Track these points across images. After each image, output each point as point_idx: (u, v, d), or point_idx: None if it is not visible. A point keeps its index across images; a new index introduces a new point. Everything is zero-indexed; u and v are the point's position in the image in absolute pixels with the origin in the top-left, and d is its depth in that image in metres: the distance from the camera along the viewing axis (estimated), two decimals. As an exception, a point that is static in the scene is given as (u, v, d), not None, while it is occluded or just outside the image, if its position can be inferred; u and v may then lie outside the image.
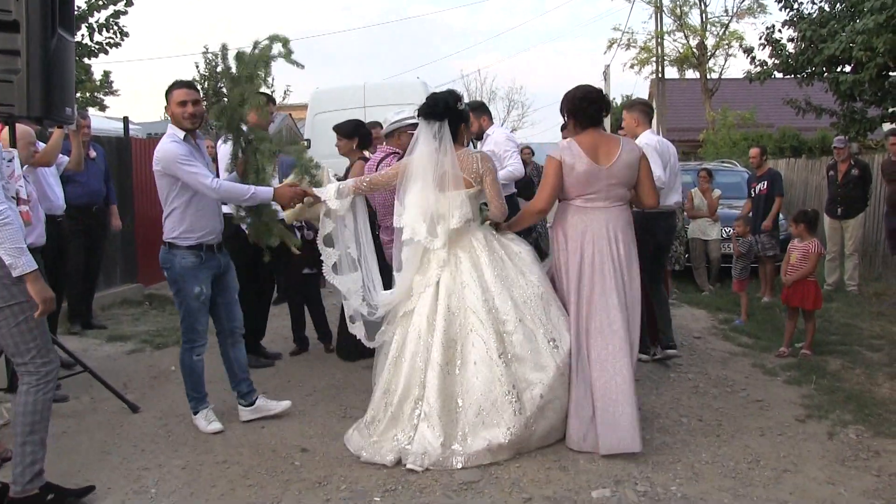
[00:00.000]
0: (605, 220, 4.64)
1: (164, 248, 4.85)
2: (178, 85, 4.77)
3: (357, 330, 4.91)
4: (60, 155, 6.21)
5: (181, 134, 4.73)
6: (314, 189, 4.96)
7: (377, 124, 7.47)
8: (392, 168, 4.96)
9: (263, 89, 5.29)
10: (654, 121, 10.86)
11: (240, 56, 5.07)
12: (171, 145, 4.66)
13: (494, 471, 4.20)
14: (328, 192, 4.85)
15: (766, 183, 9.61)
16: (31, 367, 3.69)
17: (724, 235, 10.02)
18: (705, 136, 25.18)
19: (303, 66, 5.29)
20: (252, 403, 5.13)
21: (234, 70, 5.09)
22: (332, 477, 4.18)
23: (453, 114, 4.68)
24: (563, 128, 6.28)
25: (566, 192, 4.71)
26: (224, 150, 5.73)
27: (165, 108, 4.86)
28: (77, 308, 7.82)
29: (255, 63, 5.07)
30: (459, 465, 4.21)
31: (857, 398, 5.32)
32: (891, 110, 8.90)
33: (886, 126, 10.34)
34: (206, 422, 4.94)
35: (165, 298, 9.70)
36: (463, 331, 4.44)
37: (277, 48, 5.10)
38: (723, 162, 15.66)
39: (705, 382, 5.81)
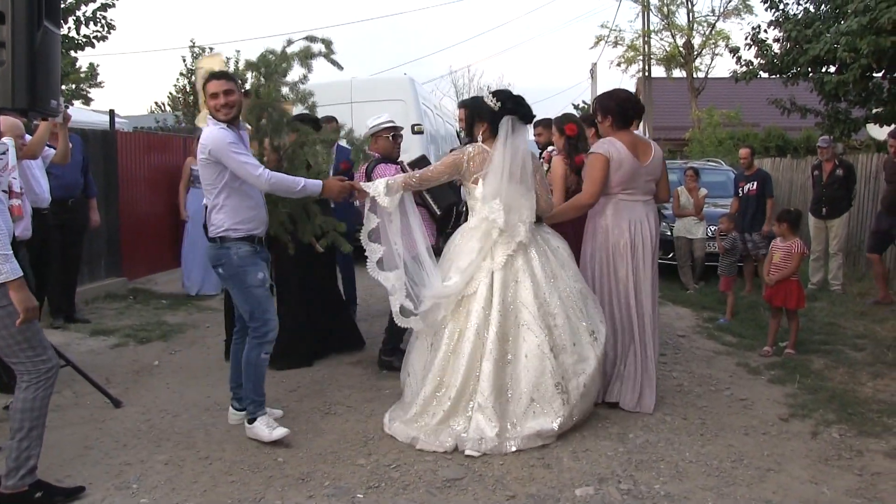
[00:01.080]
0: (645, 211, 5.20)
1: (213, 245, 4.65)
2: (210, 77, 4.67)
3: (413, 323, 4.95)
4: (47, 147, 6.17)
5: (223, 124, 4.57)
6: (362, 184, 5.01)
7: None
8: (444, 164, 5.01)
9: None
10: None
11: (272, 52, 5.16)
12: (220, 131, 4.49)
13: (478, 468, 4.20)
14: (377, 189, 4.88)
15: (755, 183, 9.65)
16: (28, 365, 3.68)
17: (710, 234, 10.05)
18: (691, 134, 25.24)
19: (342, 68, 5.42)
20: (244, 409, 4.74)
21: (263, 65, 5.13)
22: (315, 473, 4.17)
23: (524, 111, 4.85)
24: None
25: (609, 187, 5.13)
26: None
27: (204, 101, 4.77)
28: (58, 302, 7.77)
29: (291, 59, 5.16)
30: (514, 449, 4.39)
31: (841, 397, 5.35)
32: (875, 111, 8.94)
33: (870, 126, 10.40)
34: (269, 429, 4.56)
35: (150, 293, 9.67)
36: (515, 325, 4.63)
37: (318, 47, 5.20)
38: (709, 161, 15.72)
39: (689, 381, 5.83)
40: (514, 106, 4.81)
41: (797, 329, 6.69)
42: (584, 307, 4.84)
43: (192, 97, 22.60)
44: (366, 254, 5.01)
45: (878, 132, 12.19)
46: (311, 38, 5.22)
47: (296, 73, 5.21)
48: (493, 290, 4.67)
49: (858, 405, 5.20)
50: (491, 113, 4.84)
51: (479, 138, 4.95)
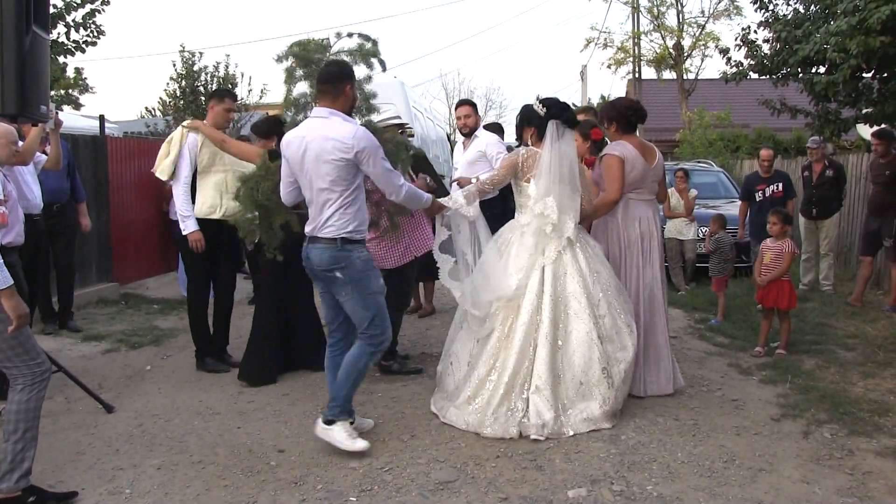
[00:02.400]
0: (652, 210, 5.65)
1: (333, 245, 4.42)
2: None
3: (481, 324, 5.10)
4: (38, 154, 6.16)
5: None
6: (441, 200, 5.18)
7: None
8: (504, 167, 5.30)
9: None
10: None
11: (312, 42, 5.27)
12: (372, 135, 4.45)
13: (471, 470, 4.21)
14: (459, 201, 5.15)
15: (780, 185, 9.61)
16: (23, 369, 3.69)
17: (700, 235, 10.06)
18: (682, 136, 25.30)
19: (385, 69, 5.51)
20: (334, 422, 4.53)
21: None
22: (308, 477, 4.17)
23: (568, 116, 5.16)
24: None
25: (623, 187, 5.46)
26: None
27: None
28: (48, 308, 7.74)
29: (326, 49, 5.27)
30: (571, 433, 4.69)
31: (832, 397, 5.37)
32: (864, 111, 8.95)
33: (860, 127, 10.42)
34: (351, 438, 4.44)
35: (141, 298, 9.65)
36: (565, 313, 4.94)
37: (369, 46, 5.30)
38: (699, 162, 15.76)
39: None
40: (558, 111, 5.11)
41: (789, 329, 6.71)
42: (619, 300, 5.15)
43: (182, 102, 22.52)
44: (437, 265, 5.27)
45: (868, 132, 12.22)
46: (364, 37, 5.27)
47: (359, 72, 5.14)
48: (544, 282, 4.96)
49: (849, 405, 5.22)
50: (538, 118, 5.14)
51: (529, 142, 5.24)
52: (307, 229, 4.55)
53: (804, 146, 9.43)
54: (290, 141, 4.52)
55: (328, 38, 5.28)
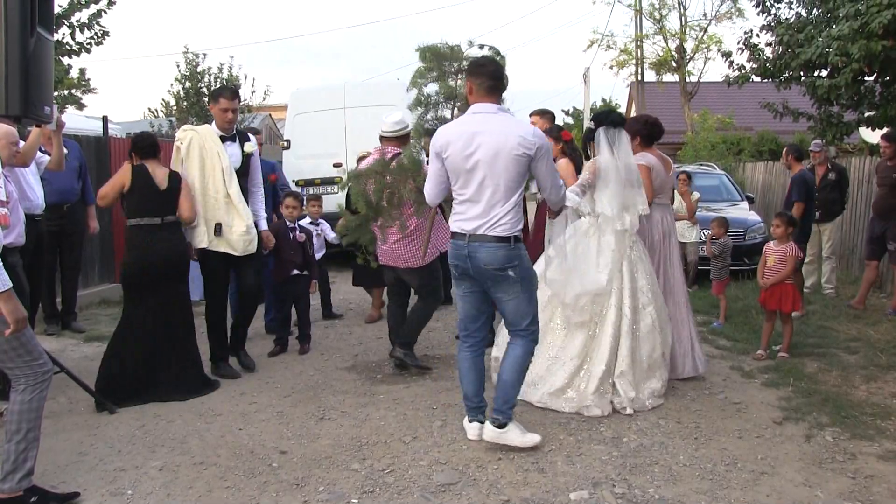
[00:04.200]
0: (668, 212, 6.30)
1: (507, 244, 4.36)
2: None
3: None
4: (40, 154, 6.15)
5: None
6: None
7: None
8: (591, 172, 5.59)
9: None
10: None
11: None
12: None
13: (472, 472, 4.21)
14: (575, 200, 5.41)
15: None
16: (25, 369, 3.69)
17: (703, 238, 10.06)
18: (686, 138, 25.29)
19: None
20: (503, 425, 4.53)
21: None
22: (310, 478, 4.17)
23: (621, 122, 5.65)
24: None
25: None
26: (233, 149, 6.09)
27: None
28: (51, 309, 7.75)
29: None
30: (651, 406, 5.28)
31: (834, 400, 5.36)
32: (866, 115, 8.97)
33: (862, 130, 10.44)
34: (523, 433, 4.52)
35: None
36: (638, 305, 5.45)
37: (499, 58, 5.45)
38: (701, 165, 15.75)
39: (683, 385, 5.83)
40: (603, 118, 5.63)
41: (791, 332, 6.71)
42: (660, 293, 5.73)
43: (186, 103, 22.53)
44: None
45: (870, 135, 12.23)
46: (494, 49, 5.49)
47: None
48: (624, 278, 5.44)
49: (852, 408, 5.22)
50: (590, 132, 5.69)
51: (592, 154, 5.71)
52: (469, 227, 4.41)
53: (807, 149, 9.41)
54: (452, 136, 4.41)
55: (459, 45, 5.53)
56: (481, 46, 5.39)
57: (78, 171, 7.72)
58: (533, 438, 4.51)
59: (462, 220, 4.44)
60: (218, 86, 22.49)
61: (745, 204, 12.37)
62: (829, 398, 5.42)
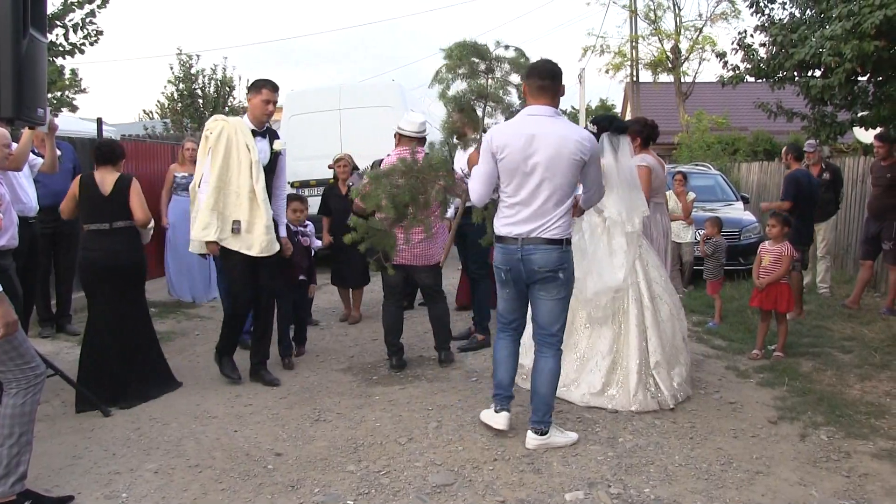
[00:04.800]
0: (664, 210, 6.70)
1: (560, 246, 4.45)
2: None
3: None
4: (33, 157, 6.14)
5: None
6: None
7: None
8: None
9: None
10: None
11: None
12: None
13: (468, 474, 4.21)
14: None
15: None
16: (17, 373, 3.67)
17: (698, 238, 10.06)
18: (679, 139, 25.31)
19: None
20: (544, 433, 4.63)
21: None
22: (306, 480, 4.16)
23: (624, 129, 5.75)
24: None
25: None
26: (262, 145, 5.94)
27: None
28: (46, 311, 7.73)
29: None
30: (681, 398, 5.44)
31: (829, 400, 5.38)
32: (860, 115, 8.98)
33: (856, 130, 10.44)
34: (565, 434, 4.70)
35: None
36: (655, 296, 5.63)
37: (523, 60, 5.46)
38: (697, 165, 15.77)
39: (679, 384, 5.84)
40: (606, 124, 5.66)
41: (786, 332, 6.72)
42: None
43: (179, 104, 22.49)
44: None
45: (864, 135, 12.25)
46: (519, 51, 5.39)
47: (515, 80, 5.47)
48: (638, 273, 5.59)
49: (846, 407, 5.24)
50: (594, 136, 5.43)
51: None
52: (522, 231, 4.46)
53: (801, 149, 9.41)
54: (510, 137, 4.40)
55: (487, 45, 5.45)
56: (507, 47, 5.39)
57: (72, 173, 7.70)
58: (573, 436, 4.69)
59: (512, 223, 4.48)
60: (213, 88, 22.48)
61: (740, 204, 12.42)
62: (823, 397, 5.44)
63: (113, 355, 5.57)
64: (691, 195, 10.35)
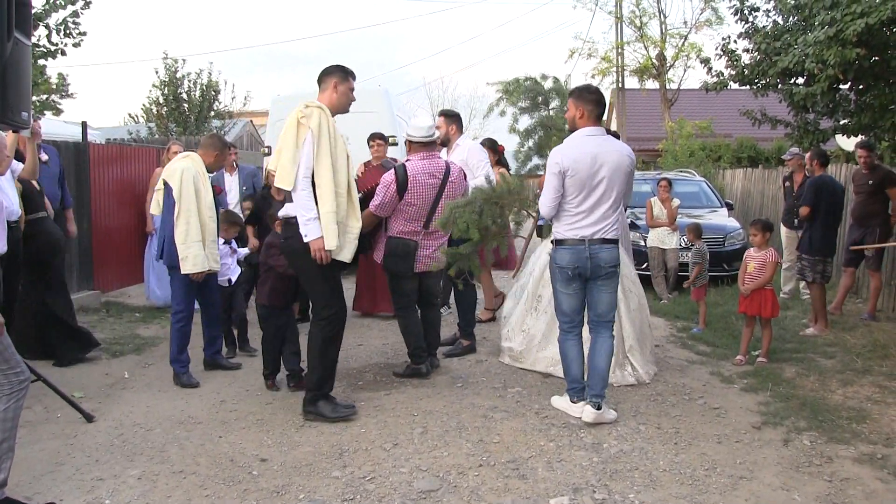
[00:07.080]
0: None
1: (616, 245, 5.21)
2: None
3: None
4: (15, 161, 6.09)
5: None
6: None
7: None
8: None
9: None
10: (616, 129, 10.70)
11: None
12: None
13: (453, 479, 4.21)
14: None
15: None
16: (0, 378, 3.63)
17: (682, 245, 10.11)
18: (664, 145, 25.41)
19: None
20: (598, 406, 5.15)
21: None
22: (291, 486, 4.15)
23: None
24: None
25: None
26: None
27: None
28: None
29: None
30: (648, 378, 6.16)
31: (812, 405, 5.41)
32: (842, 122, 9.04)
33: (839, 137, 10.51)
34: (608, 410, 5.23)
35: (123, 305, 9.59)
36: (626, 290, 6.24)
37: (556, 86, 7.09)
38: (681, 171, 15.86)
39: (663, 390, 5.87)
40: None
41: (770, 338, 6.76)
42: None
43: (165, 109, 22.39)
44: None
45: (846, 143, 12.34)
46: (556, 80, 7.16)
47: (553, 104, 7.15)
48: None
49: (829, 412, 5.27)
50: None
51: None
52: (587, 233, 5.10)
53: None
54: (579, 157, 5.04)
55: (534, 79, 7.04)
56: (545, 77, 7.10)
57: (59, 177, 7.67)
58: (615, 414, 5.25)
59: (577, 227, 5.13)
60: (198, 92, 22.39)
61: (724, 210, 12.49)
62: (806, 402, 5.47)
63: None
64: (676, 201, 10.41)
